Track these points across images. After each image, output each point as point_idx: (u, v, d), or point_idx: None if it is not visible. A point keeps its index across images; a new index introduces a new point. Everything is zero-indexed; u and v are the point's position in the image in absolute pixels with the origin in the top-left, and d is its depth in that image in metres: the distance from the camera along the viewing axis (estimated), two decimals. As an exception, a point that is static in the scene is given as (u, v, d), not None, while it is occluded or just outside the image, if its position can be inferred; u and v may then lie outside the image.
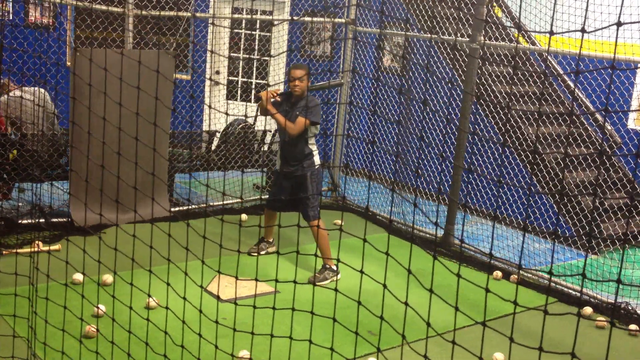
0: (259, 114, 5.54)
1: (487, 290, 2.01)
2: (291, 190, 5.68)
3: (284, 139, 5.59)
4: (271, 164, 7.70)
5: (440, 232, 6.62)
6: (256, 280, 2.71)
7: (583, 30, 1.76)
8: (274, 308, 2.95)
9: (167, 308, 3.15)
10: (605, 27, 1.74)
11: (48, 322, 3.55)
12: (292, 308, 2.80)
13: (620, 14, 1.76)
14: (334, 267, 5.53)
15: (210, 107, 7.47)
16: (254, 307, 3.01)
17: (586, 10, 1.76)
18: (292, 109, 5.51)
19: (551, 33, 1.90)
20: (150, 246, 3.06)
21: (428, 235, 6.81)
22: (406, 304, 2.38)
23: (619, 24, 1.68)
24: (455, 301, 2.21)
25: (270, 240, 6.05)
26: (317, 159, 5.64)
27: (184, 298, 3.10)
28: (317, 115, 5.44)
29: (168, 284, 3.13)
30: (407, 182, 7.93)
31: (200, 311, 3.08)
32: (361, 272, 2.43)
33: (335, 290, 2.76)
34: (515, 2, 8.19)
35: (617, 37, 1.69)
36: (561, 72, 7.67)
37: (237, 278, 2.89)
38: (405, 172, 7.85)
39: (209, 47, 8.72)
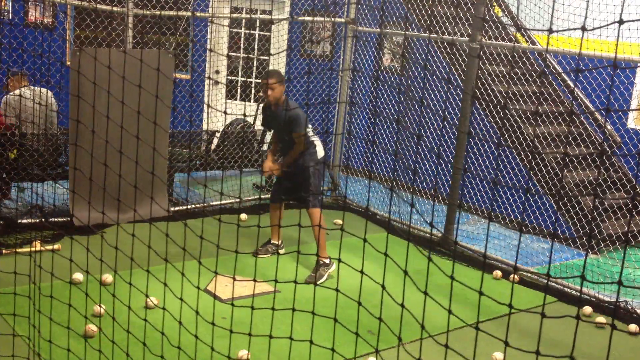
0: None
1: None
2: (293, 179, 5.69)
3: (284, 137, 5.62)
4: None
5: (440, 232, 6.62)
6: (254, 280, 2.71)
7: (583, 29, 1.76)
8: (278, 309, 2.95)
9: (163, 309, 3.15)
10: (605, 26, 1.74)
11: (53, 320, 3.54)
12: (292, 308, 2.80)
13: (622, 12, 1.75)
14: (327, 261, 5.51)
15: (209, 106, 7.47)
16: (252, 307, 3.01)
17: (587, 9, 1.76)
18: (274, 114, 5.62)
19: (550, 31, 1.90)
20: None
21: (428, 235, 6.81)
22: (402, 305, 2.38)
23: (620, 22, 1.68)
24: (449, 306, 2.20)
25: (278, 242, 5.97)
26: (319, 151, 5.67)
27: (181, 299, 3.10)
28: (301, 125, 5.47)
29: (170, 284, 3.13)
30: (406, 182, 7.93)
31: (197, 313, 3.08)
32: (361, 272, 2.43)
33: (336, 290, 2.76)
34: (514, 2, 8.19)
35: (618, 36, 1.69)
36: (561, 71, 7.67)
37: (234, 278, 2.89)
38: (404, 172, 7.85)
39: (208, 47, 8.71)
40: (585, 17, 1.79)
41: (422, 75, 7.82)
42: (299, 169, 5.60)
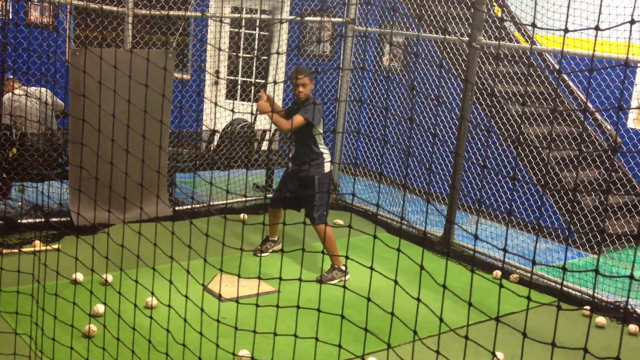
0: (257, 113, 5.57)
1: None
2: (297, 190, 5.63)
3: (300, 134, 5.51)
4: (271, 163, 7.70)
5: (441, 232, 6.62)
6: (259, 278, 2.71)
7: (597, 28, 1.77)
8: (277, 306, 2.95)
9: (169, 306, 3.15)
10: (619, 25, 1.76)
11: (56, 319, 3.54)
12: (297, 306, 2.80)
13: (633, 12, 1.77)
14: (343, 268, 5.48)
15: (216, 104, 7.47)
16: (257, 305, 3.01)
17: (600, 11, 1.77)
18: (298, 109, 5.50)
19: (566, 30, 1.91)
20: (155, 244, 3.06)
21: (428, 235, 6.81)
22: (418, 299, 2.39)
23: (632, 22, 1.68)
24: (469, 299, 2.21)
25: (275, 238, 6.00)
26: (327, 164, 5.54)
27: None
28: (311, 113, 5.29)
29: (171, 282, 3.13)
30: (401, 180, 7.93)
31: (202, 310, 3.08)
32: (371, 268, 2.44)
33: (344, 287, 2.76)
34: (515, 2, 8.19)
35: (630, 36, 1.69)
36: (569, 70, 7.66)
37: (239, 277, 2.90)
38: (409, 172, 7.85)
39: (209, 47, 8.72)
40: (599, 21, 1.80)
41: (423, 75, 7.83)
42: (304, 178, 5.56)
